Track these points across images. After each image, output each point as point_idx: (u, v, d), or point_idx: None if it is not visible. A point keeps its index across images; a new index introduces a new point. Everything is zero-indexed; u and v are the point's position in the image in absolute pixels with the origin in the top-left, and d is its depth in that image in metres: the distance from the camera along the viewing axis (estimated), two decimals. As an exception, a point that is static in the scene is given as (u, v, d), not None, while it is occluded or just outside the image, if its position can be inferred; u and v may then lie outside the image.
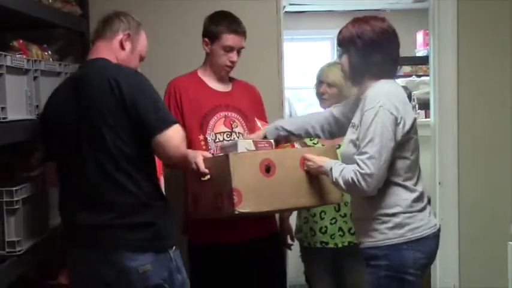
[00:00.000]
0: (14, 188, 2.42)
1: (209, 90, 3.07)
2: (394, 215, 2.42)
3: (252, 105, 3.14)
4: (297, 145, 2.90)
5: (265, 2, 3.70)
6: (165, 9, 3.59)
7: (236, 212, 2.53)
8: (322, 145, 3.23)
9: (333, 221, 3.25)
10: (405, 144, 2.43)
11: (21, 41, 2.77)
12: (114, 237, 2.39)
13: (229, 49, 3.00)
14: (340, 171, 2.48)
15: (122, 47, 2.57)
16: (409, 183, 2.45)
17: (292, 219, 3.47)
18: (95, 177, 2.40)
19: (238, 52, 3.06)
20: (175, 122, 2.41)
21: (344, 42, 2.57)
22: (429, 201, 2.66)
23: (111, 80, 2.35)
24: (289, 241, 3.46)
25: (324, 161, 2.60)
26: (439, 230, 2.52)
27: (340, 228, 3.24)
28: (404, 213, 2.42)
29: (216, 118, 3.00)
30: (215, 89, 3.09)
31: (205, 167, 2.57)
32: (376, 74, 2.51)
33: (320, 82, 3.40)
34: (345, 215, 3.24)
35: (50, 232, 2.79)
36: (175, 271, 2.43)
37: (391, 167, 2.41)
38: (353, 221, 2.74)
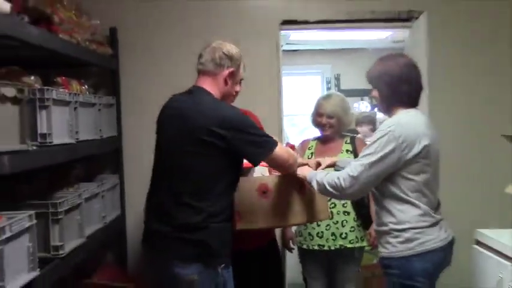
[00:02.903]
0: (58, 201, 2.46)
1: None
2: (404, 230, 2.37)
3: None
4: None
5: (267, 43, 3.74)
6: (182, 50, 3.66)
7: (237, 229, 2.57)
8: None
9: (328, 227, 3.26)
10: (409, 167, 2.36)
11: (63, 78, 2.83)
12: (170, 247, 2.37)
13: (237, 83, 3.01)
14: (325, 174, 2.53)
15: (226, 83, 2.50)
16: (416, 201, 2.38)
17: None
18: (174, 194, 2.38)
19: (240, 83, 3.07)
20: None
21: (374, 80, 2.52)
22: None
23: (215, 120, 2.32)
24: (291, 245, 3.49)
25: (306, 170, 2.65)
26: (449, 242, 2.44)
27: (332, 233, 3.26)
28: (413, 228, 2.36)
29: None
30: None
31: None
32: (404, 102, 2.46)
33: (320, 114, 3.37)
34: (337, 222, 3.26)
35: (87, 238, 2.82)
36: (220, 285, 2.37)
37: (398, 185, 2.38)
38: (375, 232, 2.69)
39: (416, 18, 3.75)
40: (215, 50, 2.50)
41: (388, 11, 3.73)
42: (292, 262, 3.81)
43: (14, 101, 2.09)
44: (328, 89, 7.33)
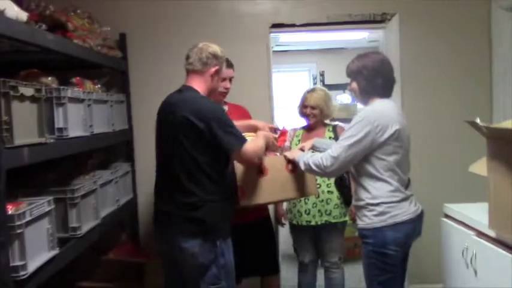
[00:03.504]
0: (75, 187, 2.42)
1: None
2: (377, 205, 2.35)
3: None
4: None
5: (259, 44, 3.67)
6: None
7: (242, 204, 2.54)
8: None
9: (314, 205, 3.24)
10: (382, 148, 2.34)
11: (78, 78, 2.78)
12: (174, 224, 2.38)
13: (222, 79, 2.89)
14: (311, 156, 2.52)
15: (212, 80, 2.48)
16: (389, 179, 2.36)
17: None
18: (172, 178, 2.38)
19: (230, 80, 3.00)
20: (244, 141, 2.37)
21: (353, 73, 2.49)
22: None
23: (193, 112, 2.31)
24: (283, 221, 3.46)
25: (296, 154, 2.64)
26: (418, 215, 2.43)
27: (319, 210, 3.23)
28: (385, 203, 2.34)
29: None
30: None
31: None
32: (379, 93, 2.44)
33: (304, 106, 3.35)
34: (322, 200, 3.23)
35: (102, 219, 2.78)
36: (219, 255, 2.37)
37: (373, 165, 2.36)
38: (353, 207, 2.66)
39: (389, 19, 3.69)
40: (201, 50, 2.47)
41: (363, 13, 3.67)
42: (284, 236, 3.78)
43: (33, 99, 2.04)
44: (315, 84, 7.29)
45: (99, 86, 3.02)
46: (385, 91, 2.47)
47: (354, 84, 2.50)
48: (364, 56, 2.50)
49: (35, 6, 2.55)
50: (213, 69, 2.47)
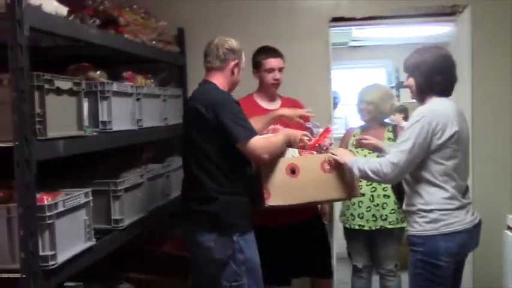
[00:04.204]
0: (118, 180, 2.45)
1: (260, 108, 2.91)
2: (430, 211, 2.21)
3: None
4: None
5: (318, 39, 3.56)
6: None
7: (266, 205, 2.44)
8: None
9: (368, 209, 3.08)
10: (441, 151, 2.19)
11: (129, 72, 2.81)
12: (192, 218, 2.42)
13: (270, 70, 2.87)
14: (366, 161, 2.39)
15: (232, 74, 2.48)
16: (445, 185, 2.20)
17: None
18: (189, 173, 2.45)
19: (280, 71, 2.91)
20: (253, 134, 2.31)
21: (410, 68, 2.34)
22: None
23: (202, 102, 2.33)
24: (324, 220, 3.27)
25: (348, 156, 2.52)
26: (475, 225, 2.26)
27: (373, 215, 3.07)
28: (439, 210, 2.20)
29: (265, 131, 2.72)
30: (265, 107, 2.94)
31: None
32: (437, 92, 2.28)
33: (360, 101, 3.21)
34: (377, 204, 3.06)
35: (149, 213, 2.79)
36: (237, 251, 2.34)
37: (428, 169, 2.22)
38: (403, 212, 2.52)
39: (461, 12, 3.42)
40: (218, 47, 2.48)
41: (432, 5, 3.43)
42: (340, 238, 3.63)
43: (71, 93, 2.07)
44: (389, 81, 7.01)
45: (152, 80, 3.04)
46: (444, 90, 2.29)
47: (411, 80, 2.33)
48: (424, 50, 2.33)
49: (91, 1, 2.61)
50: (232, 64, 2.47)
